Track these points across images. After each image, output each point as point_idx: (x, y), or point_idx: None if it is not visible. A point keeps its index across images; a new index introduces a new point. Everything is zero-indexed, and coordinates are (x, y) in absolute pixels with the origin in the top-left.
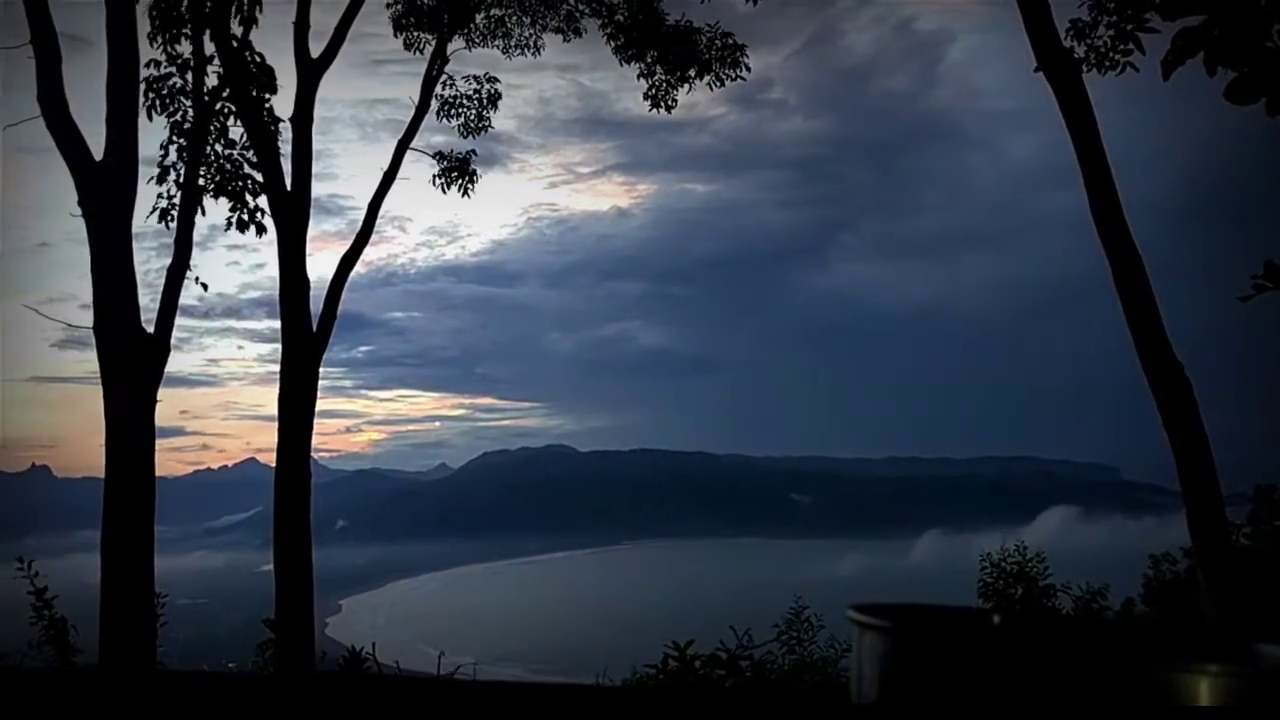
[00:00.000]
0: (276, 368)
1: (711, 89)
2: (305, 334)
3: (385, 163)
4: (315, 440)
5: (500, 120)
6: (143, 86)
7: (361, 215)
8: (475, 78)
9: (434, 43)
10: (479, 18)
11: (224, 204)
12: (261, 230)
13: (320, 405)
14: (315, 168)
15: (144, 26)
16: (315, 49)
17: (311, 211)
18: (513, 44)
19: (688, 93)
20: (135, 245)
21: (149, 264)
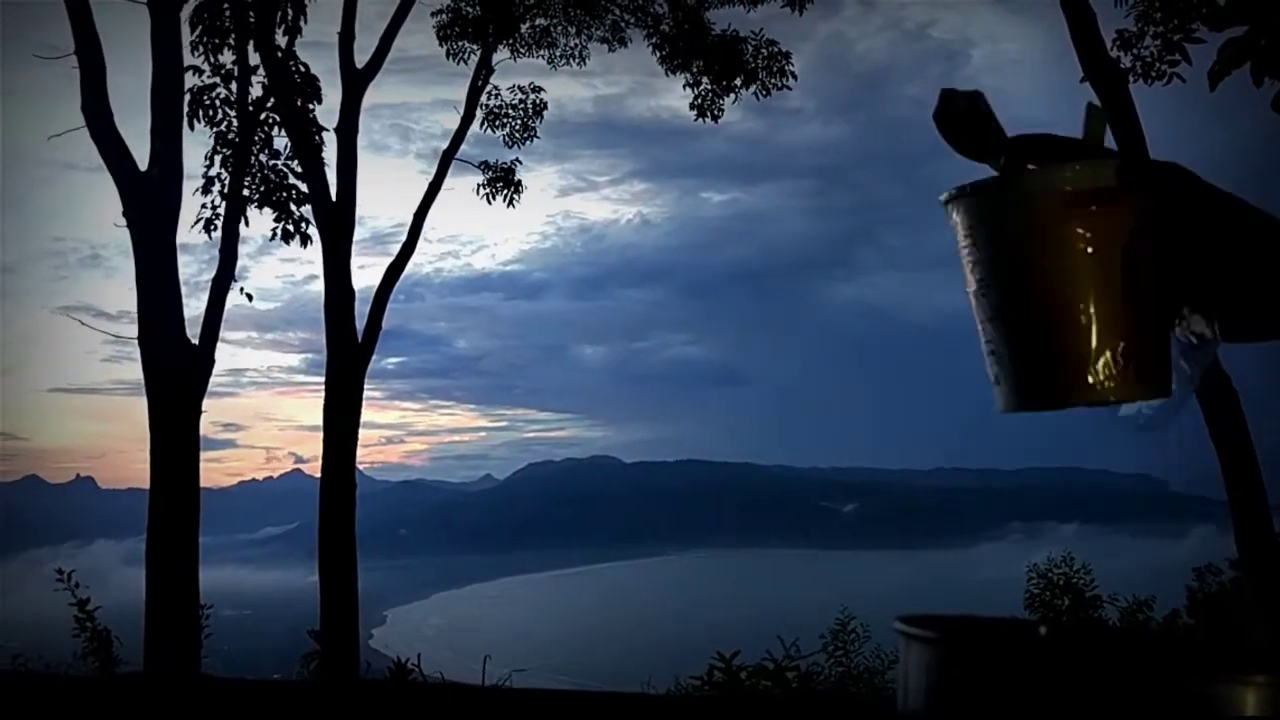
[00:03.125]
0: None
1: (758, 98)
2: (350, 345)
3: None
4: (359, 451)
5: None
6: (186, 97)
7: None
8: (520, 88)
9: (479, 53)
10: (524, 28)
11: (268, 214)
12: (306, 241)
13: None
14: None
15: (187, 36)
16: (360, 59)
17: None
18: (558, 54)
19: (734, 102)
20: (185, 256)
21: (202, 274)
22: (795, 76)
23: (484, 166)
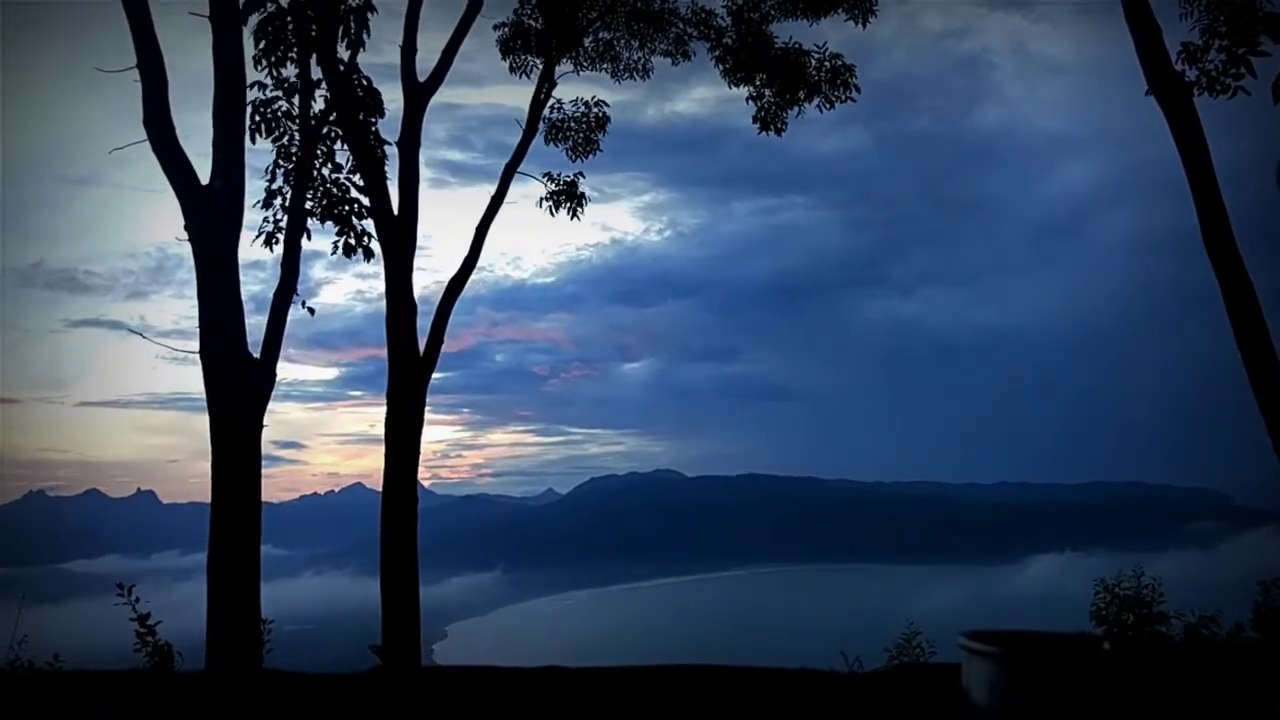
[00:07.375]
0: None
1: (821, 111)
2: (412, 359)
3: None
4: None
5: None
6: (249, 110)
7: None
8: (584, 102)
9: (541, 66)
10: (587, 41)
11: (328, 228)
12: (369, 255)
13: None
14: None
15: (249, 50)
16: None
17: None
18: (621, 67)
19: (797, 115)
20: (259, 272)
21: (270, 289)
22: (859, 89)
23: (547, 178)
